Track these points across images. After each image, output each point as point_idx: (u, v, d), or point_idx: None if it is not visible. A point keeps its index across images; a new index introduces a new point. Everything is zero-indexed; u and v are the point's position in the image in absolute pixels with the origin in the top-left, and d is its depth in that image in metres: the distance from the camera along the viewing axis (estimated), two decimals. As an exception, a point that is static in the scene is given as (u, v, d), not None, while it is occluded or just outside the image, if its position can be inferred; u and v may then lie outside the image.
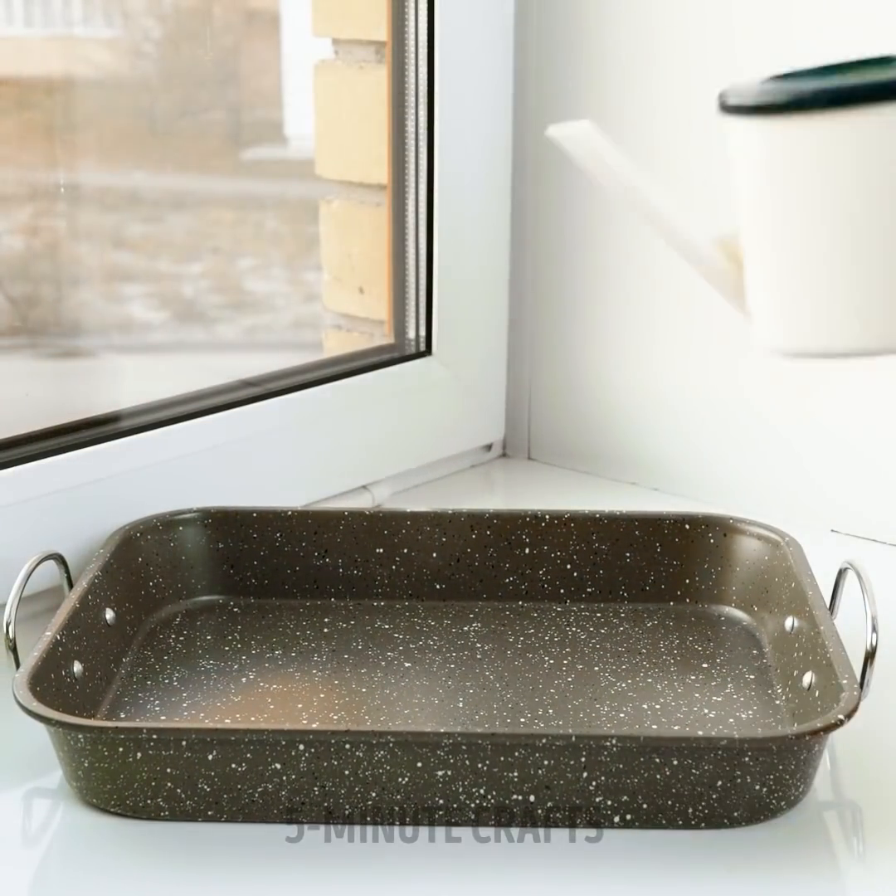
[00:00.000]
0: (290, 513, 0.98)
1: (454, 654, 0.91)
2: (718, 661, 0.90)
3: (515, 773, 0.73)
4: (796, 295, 0.70)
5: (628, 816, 0.74)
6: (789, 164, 0.69)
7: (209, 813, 0.74)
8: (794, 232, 0.70)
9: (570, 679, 0.88)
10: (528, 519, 0.98)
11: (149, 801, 0.74)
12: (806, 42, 1.08)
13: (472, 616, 0.96)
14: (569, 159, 0.75)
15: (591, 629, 0.94)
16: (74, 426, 1.01)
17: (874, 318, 0.69)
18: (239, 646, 0.92)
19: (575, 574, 0.98)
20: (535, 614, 0.96)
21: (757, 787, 0.73)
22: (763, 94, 0.69)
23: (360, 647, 0.91)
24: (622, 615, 0.96)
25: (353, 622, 0.95)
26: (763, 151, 0.70)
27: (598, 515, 0.98)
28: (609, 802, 0.73)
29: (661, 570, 0.97)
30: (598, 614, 0.96)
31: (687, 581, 0.97)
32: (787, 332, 0.71)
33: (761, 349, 0.72)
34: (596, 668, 0.89)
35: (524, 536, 0.98)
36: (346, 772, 0.73)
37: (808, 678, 0.82)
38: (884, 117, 0.66)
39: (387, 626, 0.94)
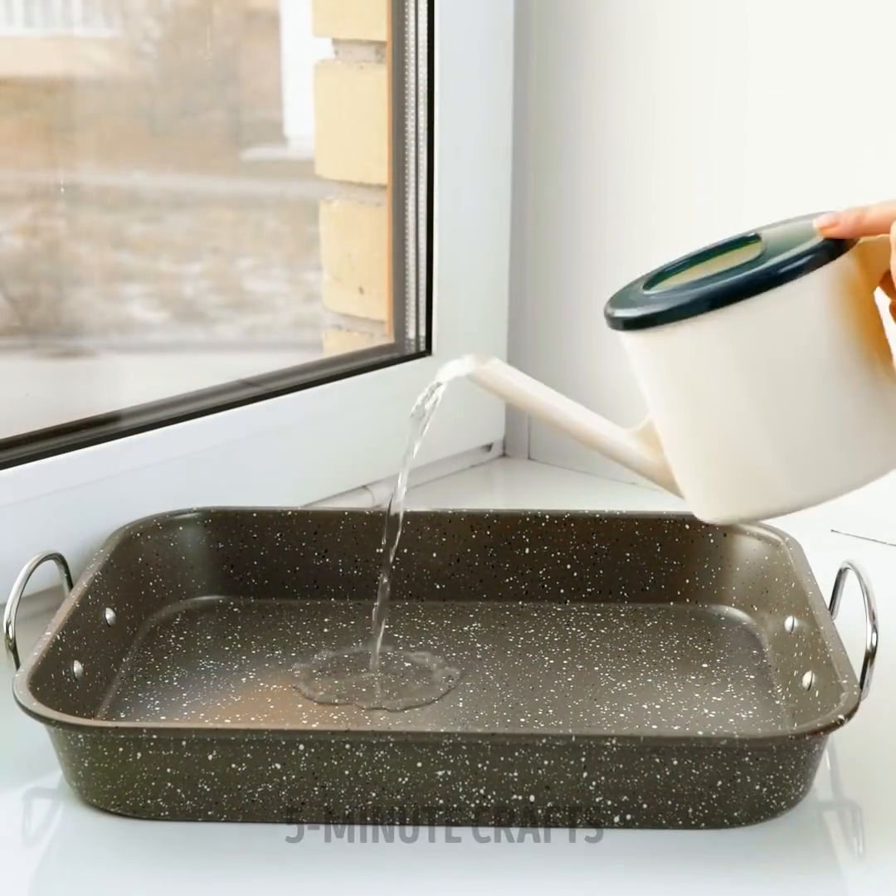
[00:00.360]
0: (290, 513, 0.98)
1: (454, 654, 0.90)
2: (718, 661, 0.90)
3: (515, 773, 0.73)
4: (723, 472, 0.74)
5: (628, 816, 0.74)
6: (681, 363, 0.73)
7: (209, 813, 0.74)
8: (702, 420, 0.74)
9: (570, 679, 0.88)
10: (528, 519, 0.98)
11: (149, 801, 0.74)
12: (810, 44, 1.08)
13: (472, 616, 0.96)
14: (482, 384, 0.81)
15: (591, 629, 0.94)
16: (74, 426, 1.01)
17: (803, 478, 0.73)
18: (239, 646, 0.92)
19: (575, 574, 0.98)
20: (535, 614, 0.96)
21: (757, 787, 0.73)
22: (644, 308, 0.73)
23: (360, 647, 0.91)
24: (622, 615, 0.96)
25: (352, 622, 0.95)
26: (655, 356, 0.74)
27: (598, 515, 0.98)
28: (609, 802, 0.73)
29: (661, 570, 0.97)
30: (598, 614, 0.96)
31: (687, 581, 0.97)
32: (720, 504, 0.76)
33: (702, 520, 0.77)
34: (596, 668, 0.89)
35: (524, 536, 0.98)
36: (346, 772, 0.73)
37: (808, 678, 0.82)
38: (758, 307, 0.70)
39: (387, 626, 0.94)
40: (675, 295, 0.73)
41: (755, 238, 0.75)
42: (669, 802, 0.73)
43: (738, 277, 0.71)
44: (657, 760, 0.72)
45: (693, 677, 0.88)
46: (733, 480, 0.74)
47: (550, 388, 0.80)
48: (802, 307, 0.71)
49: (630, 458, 0.79)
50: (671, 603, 0.97)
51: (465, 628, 0.94)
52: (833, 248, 0.71)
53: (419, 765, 0.73)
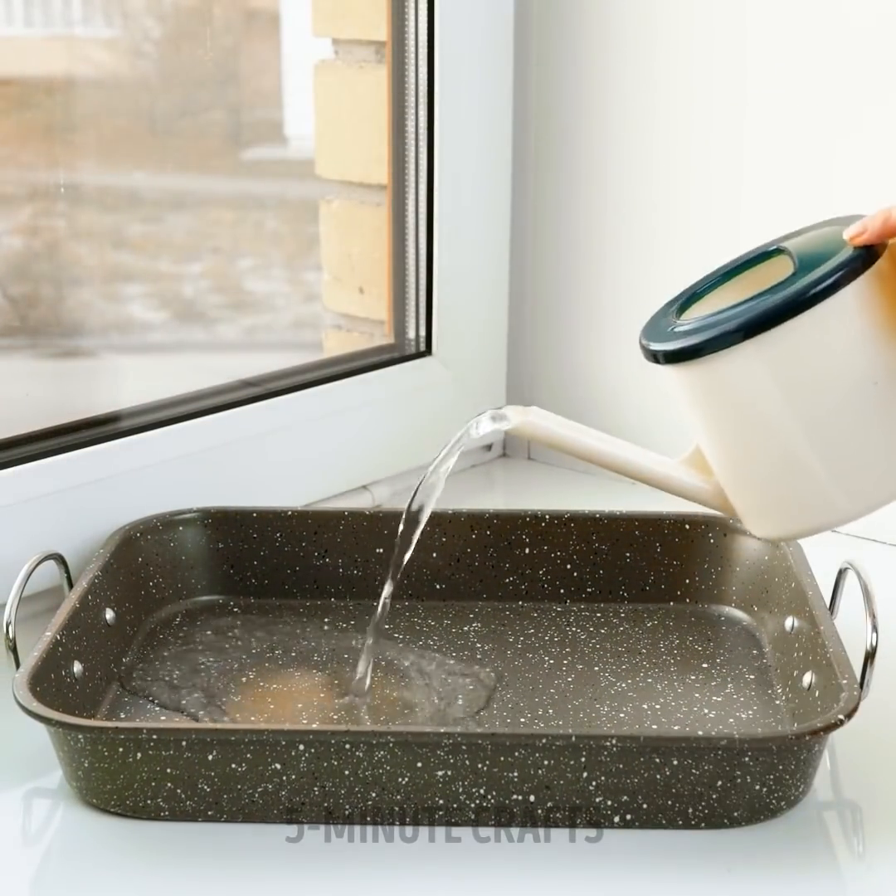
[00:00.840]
0: (290, 513, 0.98)
1: (454, 654, 0.90)
2: (718, 661, 0.90)
3: (515, 773, 0.73)
4: (778, 492, 0.74)
5: (628, 816, 0.74)
6: (724, 392, 0.72)
7: (209, 813, 0.74)
8: (750, 444, 0.74)
9: (569, 679, 0.88)
10: (528, 519, 0.98)
11: (149, 802, 0.74)
12: (809, 41, 1.08)
13: (471, 616, 0.96)
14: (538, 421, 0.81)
15: (591, 629, 0.94)
16: (74, 426, 1.01)
17: (856, 490, 0.73)
18: (239, 644, 0.92)
19: (575, 574, 0.98)
20: (535, 614, 0.96)
21: (757, 787, 0.73)
22: (681, 340, 0.72)
23: (359, 647, 0.91)
24: (622, 615, 0.96)
25: (353, 622, 0.95)
26: (697, 387, 0.74)
27: (598, 515, 0.98)
28: (609, 802, 0.73)
29: (661, 570, 0.97)
30: (598, 614, 0.96)
31: (687, 581, 0.97)
32: (777, 523, 0.76)
33: (759, 537, 0.78)
34: (596, 668, 0.89)
35: (524, 536, 0.98)
36: (346, 772, 0.73)
37: (808, 678, 0.82)
38: (796, 328, 0.70)
39: (387, 626, 0.94)
40: (712, 324, 0.72)
41: (780, 251, 0.75)
42: (669, 802, 0.73)
43: (774, 301, 0.70)
44: (657, 760, 0.72)
45: (693, 677, 0.88)
46: (789, 499, 0.74)
47: (592, 429, 0.80)
48: (841, 322, 0.70)
49: (682, 487, 0.79)
50: (671, 603, 0.97)
51: (465, 628, 0.94)
52: (865, 256, 0.70)
53: (419, 765, 0.73)
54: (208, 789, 0.74)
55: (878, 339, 0.71)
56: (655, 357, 0.74)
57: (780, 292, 0.71)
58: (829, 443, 0.72)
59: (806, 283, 0.70)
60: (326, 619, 0.95)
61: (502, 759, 0.73)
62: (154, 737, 0.73)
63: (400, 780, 0.73)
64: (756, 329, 0.70)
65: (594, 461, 0.80)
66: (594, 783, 0.73)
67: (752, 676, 0.88)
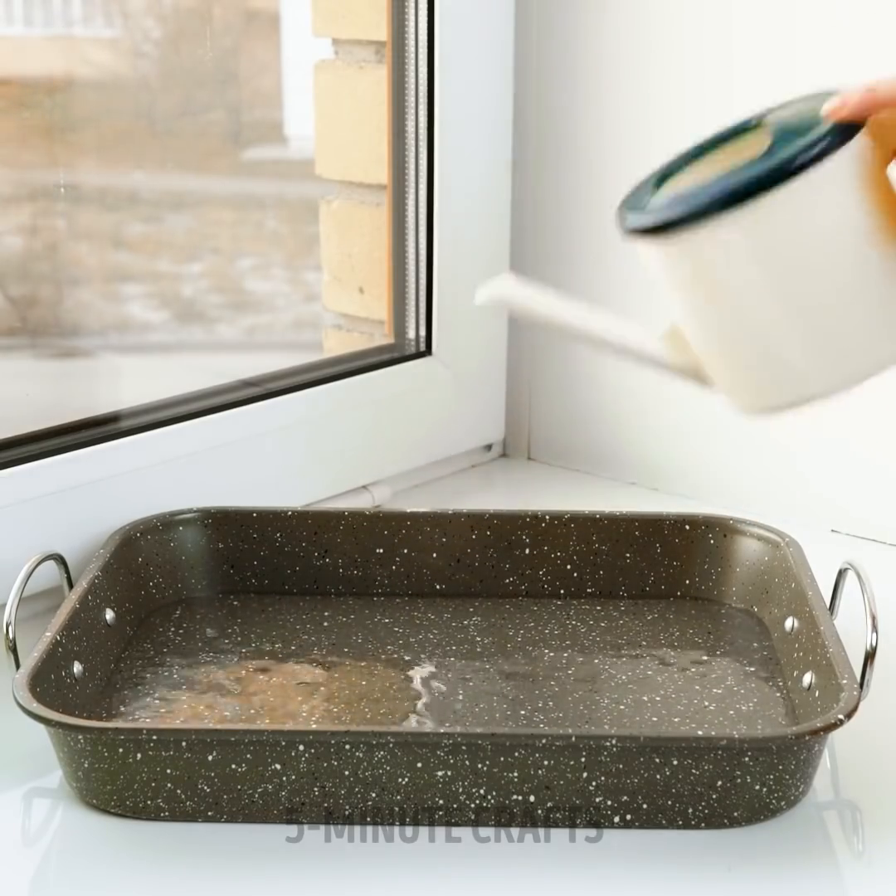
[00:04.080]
0: (290, 513, 0.98)
1: (454, 648, 0.91)
2: (718, 657, 0.90)
3: (515, 773, 0.73)
4: (755, 366, 0.73)
5: (628, 816, 0.74)
6: (701, 266, 0.71)
7: (209, 813, 0.74)
8: (729, 320, 0.72)
9: (569, 671, 0.88)
10: (528, 519, 0.98)
11: (149, 802, 0.74)
12: (806, 49, 1.08)
13: (471, 610, 0.96)
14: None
15: (591, 622, 0.94)
16: (74, 426, 1.01)
17: (834, 364, 0.72)
18: (239, 639, 0.92)
19: (575, 574, 0.98)
20: (536, 607, 0.96)
21: (757, 787, 0.73)
22: (657, 214, 0.71)
23: (359, 642, 0.91)
24: (622, 608, 0.96)
25: (353, 616, 0.95)
26: (674, 261, 0.72)
27: (598, 515, 0.98)
28: (609, 802, 0.73)
29: (661, 570, 0.97)
30: (598, 607, 0.96)
31: (687, 582, 0.97)
32: (756, 397, 0.74)
33: (736, 411, 0.75)
34: (596, 661, 0.89)
35: (524, 536, 0.98)
36: (346, 772, 0.73)
37: (808, 678, 0.82)
38: (771, 203, 0.69)
39: (386, 620, 0.94)
40: (688, 198, 0.71)
41: (759, 124, 0.73)
42: (669, 802, 0.73)
43: (748, 175, 0.69)
44: (657, 760, 0.72)
45: (693, 671, 0.88)
46: (766, 374, 0.73)
47: (570, 301, 0.77)
48: (818, 197, 0.69)
49: (659, 360, 0.76)
50: (671, 603, 0.97)
51: (465, 622, 0.94)
52: (843, 131, 0.69)
53: (419, 765, 0.73)
54: (208, 789, 0.74)
55: (852, 218, 0.70)
56: (631, 231, 0.73)
57: (755, 166, 0.70)
58: (803, 318, 0.72)
59: (780, 159, 0.69)
60: (326, 613, 0.95)
61: (502, 759, 0.73)
62: (154, 737, 0.73)
63: (400, 780, 0.73)
64: (731, 202, 0.69)
65: (571, 332, 0.77)
66: (594, 783, 0.73)
67: (751, 674, 0.88)
